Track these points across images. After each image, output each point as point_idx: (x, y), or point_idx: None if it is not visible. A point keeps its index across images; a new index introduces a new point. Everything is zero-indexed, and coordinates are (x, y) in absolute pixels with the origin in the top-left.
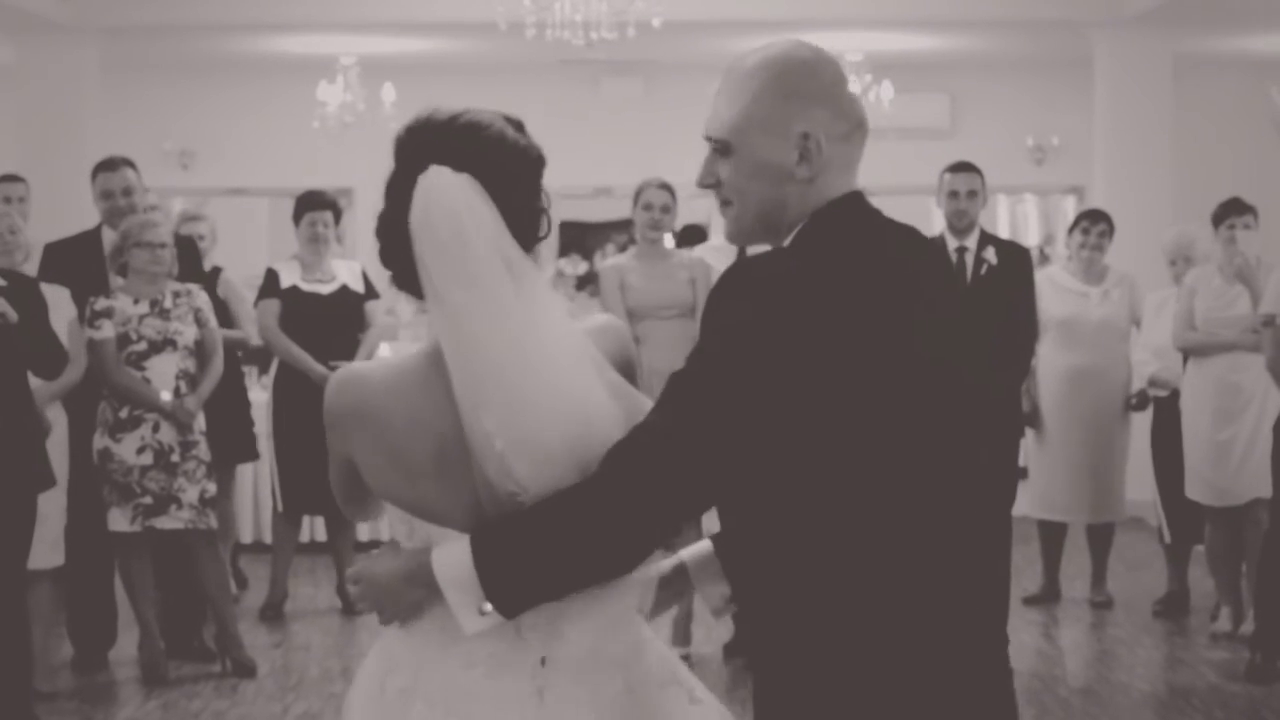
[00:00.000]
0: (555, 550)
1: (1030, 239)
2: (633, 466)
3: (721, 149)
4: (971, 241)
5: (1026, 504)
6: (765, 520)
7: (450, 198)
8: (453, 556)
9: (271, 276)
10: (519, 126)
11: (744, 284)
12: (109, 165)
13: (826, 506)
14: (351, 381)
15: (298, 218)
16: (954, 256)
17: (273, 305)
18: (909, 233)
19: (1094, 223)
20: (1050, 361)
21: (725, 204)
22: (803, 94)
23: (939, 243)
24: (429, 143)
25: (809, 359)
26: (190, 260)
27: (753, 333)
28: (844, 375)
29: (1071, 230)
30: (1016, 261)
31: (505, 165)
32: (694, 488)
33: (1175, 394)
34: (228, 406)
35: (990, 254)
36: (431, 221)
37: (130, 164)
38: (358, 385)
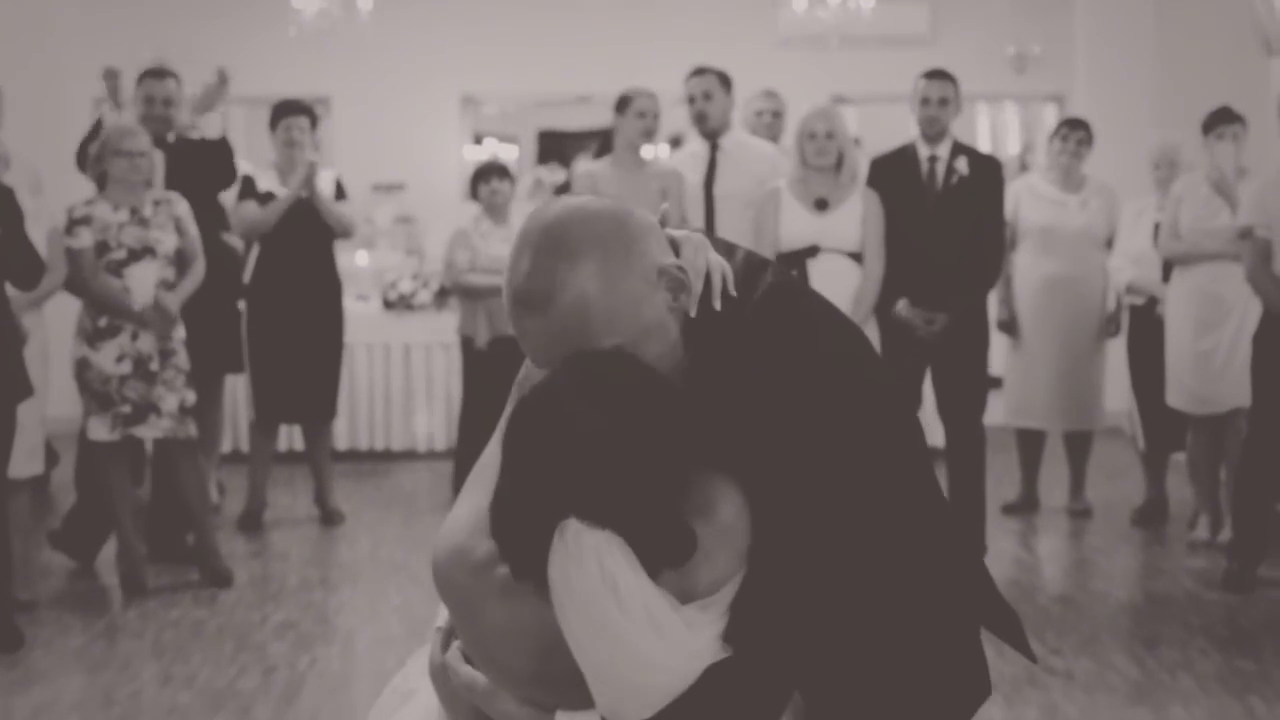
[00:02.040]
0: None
1: (1010, 148)
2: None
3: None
4: (944, 150)
5: (1003, 412)
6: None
7: (591, 570)
8: None
9: (248, 181)
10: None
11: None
12: (156, 74)
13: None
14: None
15: (274, 124)
16: (925, 165)
17: (250, 207)
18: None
19: (1073, 130)
20: (1027, 269)
21: None
22: (630, 245)
23: (909, 155)
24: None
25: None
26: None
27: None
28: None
29: (1051, 138)
30: (987, 173)
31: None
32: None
33: (1152, 303)
34: (217, 317)
35: (962, 164)
36: (573, 589)
37: (175, 76)
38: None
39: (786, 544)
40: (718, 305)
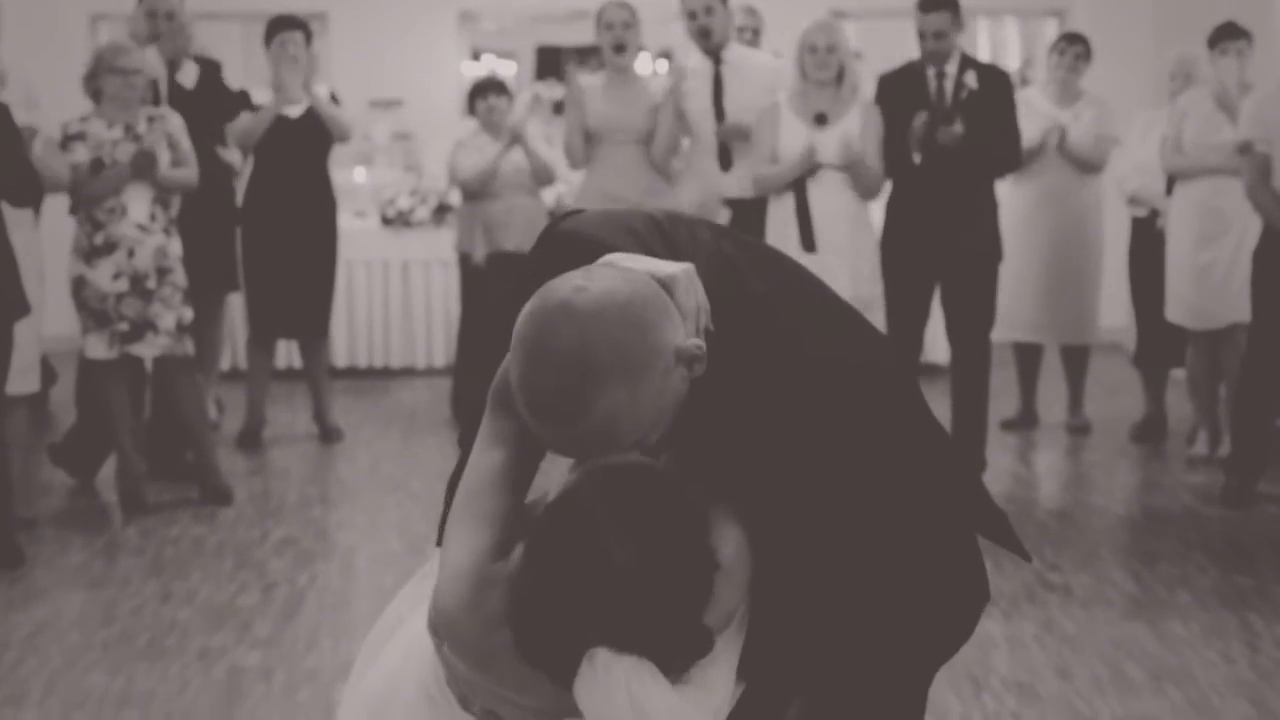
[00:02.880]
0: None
1: (1010, 63)
2: None
3: (633, 444)
4: (951, 67)
5: (999, 328)
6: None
7: (621, 700)
8: None
9: (244, 96)
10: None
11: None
12: None
13: None
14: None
15: (268, 40)
16: (933, 82)
17: (244, 119)
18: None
19: (1070, 44)
20: (1022, 183)
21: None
22: (649, 344)
23: (915, 71)
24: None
25: None
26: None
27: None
28: None
29: (1050, 53)
30: (997, 84)
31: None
32: None
33: (1153, 215)
34: (214, 235)
35: (970, 78)
36: (602, 714)
37: None
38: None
39: (794, 551)
40: (701, 342)
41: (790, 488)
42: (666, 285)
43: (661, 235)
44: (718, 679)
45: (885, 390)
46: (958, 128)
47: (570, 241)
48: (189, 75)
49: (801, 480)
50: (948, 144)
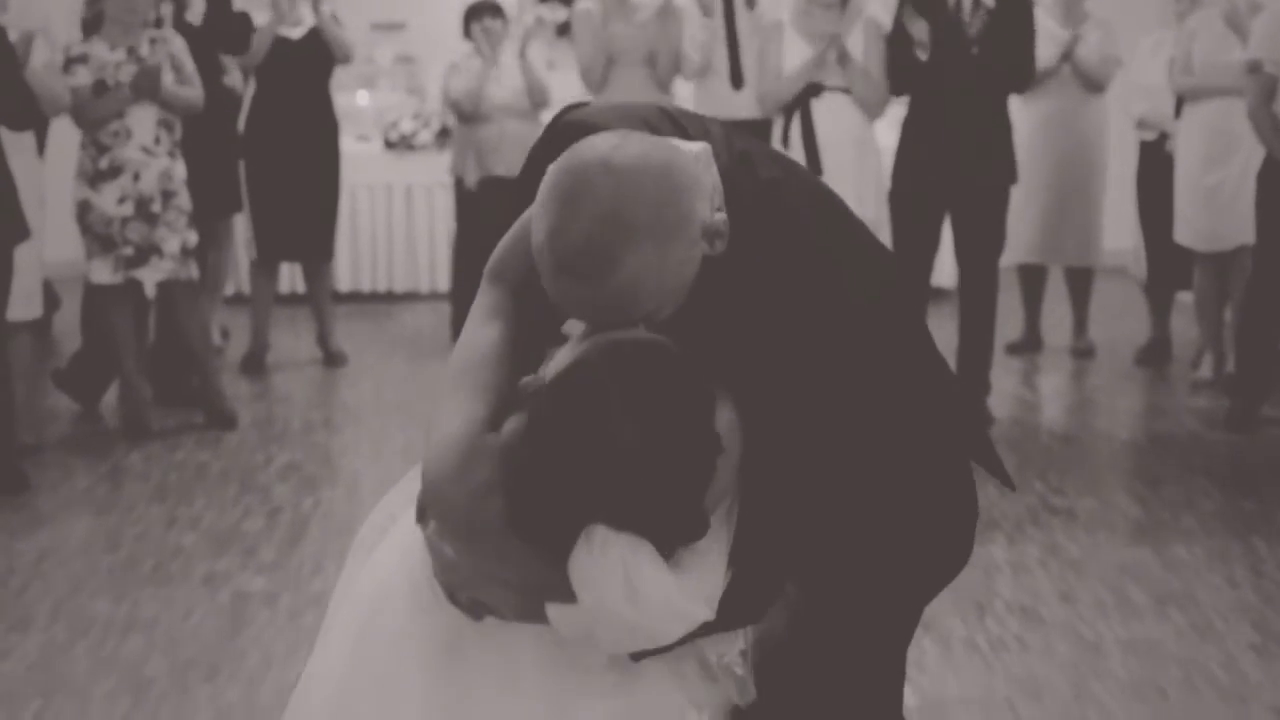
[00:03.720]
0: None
1: None
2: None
3: (646, 316)
4: None
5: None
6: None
7: (615, 578)
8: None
9: (244, 18)
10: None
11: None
12: None
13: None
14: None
15: None
16: (951, 3)
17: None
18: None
19: None
20: (1026, 105)
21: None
22: (680, 212)
23: None
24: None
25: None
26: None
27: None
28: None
29: None
30: (1015, 4)
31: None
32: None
33: (1162, 138)
34: (216, 159)
35: None
36: (594, 589)
37: None
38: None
39: (784, 445)
40: (725, 217)
41: (785, 379)
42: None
43: (673, 124)
44: (710, 564)
45: (887, 301)
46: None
47: (579, 131)
48: (196, 12)
49: (797, 373)
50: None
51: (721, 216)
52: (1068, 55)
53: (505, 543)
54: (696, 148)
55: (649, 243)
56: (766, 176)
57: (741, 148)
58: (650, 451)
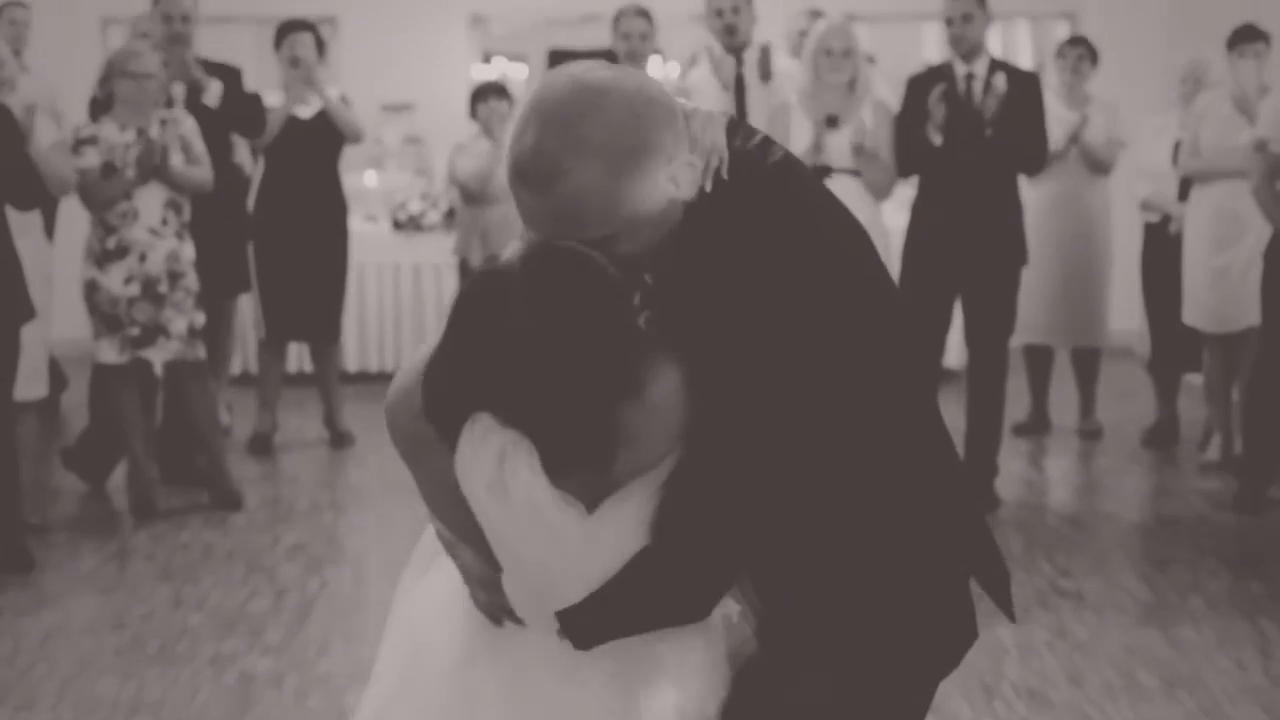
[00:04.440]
0: (631, 596)
1: (1021, 66)
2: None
3: (599, 243)
4: (980, 68)
5: None
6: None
7: (487, 468)
8: None
9: (256, 99)
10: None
11: (752, 295)
12: None
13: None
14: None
15: (278, 43)
16: (962, 84)
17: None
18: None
19: (1072, 47)
20: (1032, 186)
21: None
22: (638, 137)
23: (945, 72)
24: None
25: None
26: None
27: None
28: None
29: (1055, 57)
30: (1026, 87)
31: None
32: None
33: (1166, 220)
34: (224, 239)
35: (1000, 81)
36: (470, 479)
37: None
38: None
39: (737, 424)
40: (708, 186)
41: (757, 374)
42: (685, 113)
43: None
44: (616, 520)
45: (892, 333)
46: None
47: None
48: (213, 94)
49: (769, 372)
50: (984, 109)
51: (690, 159)
52: (1075, 138)
53: (445, 466)
54: (704, 108)
55: (597, 161)
56: (779, 160)
57: (781, 149)
58: (544, 349)
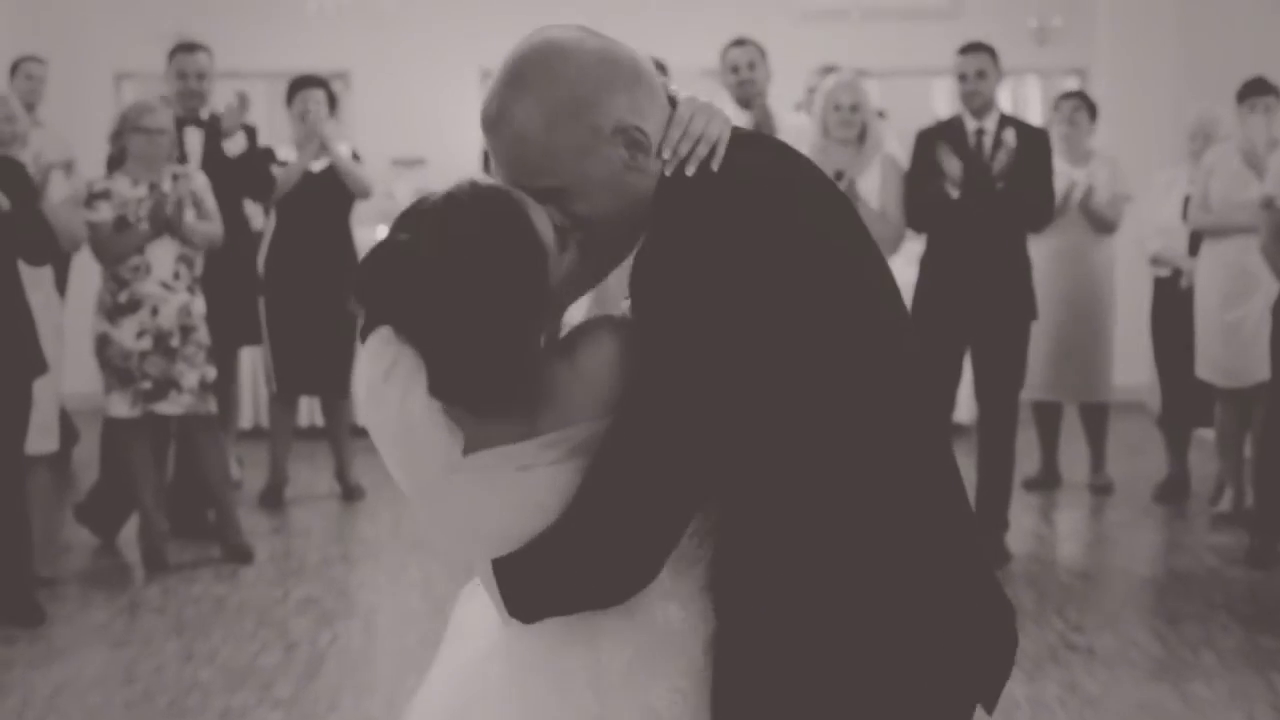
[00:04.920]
0: (558, 571)
1: (1032, 122)
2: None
3: (550, 196)
4: (990, 124)
5: None
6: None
7: (375, 375)
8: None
9: (268, 153)
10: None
11: (671, 283)
12: (187, 49)
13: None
14: None
15: (290, 99)
16: (972, 139)
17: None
18: (760, 157)
19: (1066, 99)
20: (1035, 242)
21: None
22: (582, 93)
23: (955, 126)
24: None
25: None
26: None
27: (708, 316)
28: (790, 321)
29: (1053, 110)
30: (1035, 144)
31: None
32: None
33: (1176, 274)
34: (233, 291)
35: (1009, 136)
36: (359, 383)
37: (206, 50)
38: None
39: (663, 409)
40: (688, 171)
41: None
42: (673, 97)
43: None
44: (542, 462)
45: (888, 340)
46: (1010, 140)
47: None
48: (236, 144)
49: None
50: (998, 168)
51: (636, 124)
52: (1067, 198)
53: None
54: (705, 100)
55: (537, 109)
56: (776, 170)
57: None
58: (437, 274)
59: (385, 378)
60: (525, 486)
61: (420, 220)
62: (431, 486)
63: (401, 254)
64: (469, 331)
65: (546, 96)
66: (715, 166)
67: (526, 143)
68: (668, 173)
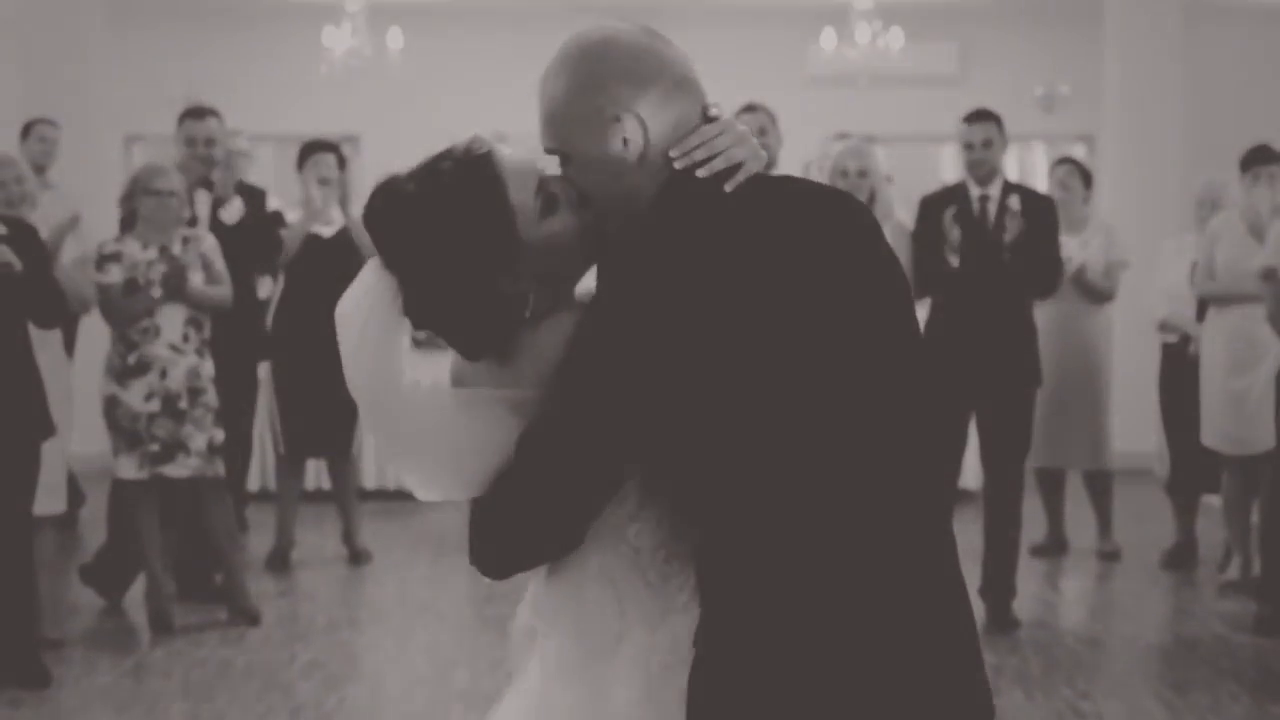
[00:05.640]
0: (495, 528)
1: (1039, 188)
2: (541, 463)
3: (562, 162)
4: (995, 190)
5: None
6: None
7: (357, 294)
8: None
9: (277, 216)
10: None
11: (622, 274)
12: (196, 114)
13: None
14: None
15: (301, 163)
16: (976, 205)
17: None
18: (778, 187)
19: (1059, 165)
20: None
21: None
22: (607, 75)
23: (959, 193)
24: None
25: (688, 332)
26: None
27: (638, 322)
28: (719, 345)
29: (1048, 176)
30: (1040, 209)
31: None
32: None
33: (1184, 340)
34: (243, 356)
35: (1014, 202)
36: (344, 300)
37: (216, 114)
38: None
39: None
40: (699, 174)
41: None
42: (706, 111)
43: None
44: (474, 425)
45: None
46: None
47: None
48: (233, 211)
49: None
50: (1007, 240)
51: (636, 113)
52: (1076, 276)
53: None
54: (733, 122)
55: (565, 80)
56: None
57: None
58: (418, 210)
59: (363, 296)
60: (474, 429)
61: (421, 169)
62: (378, 403)
63: (395, 191)
64: (434, 262)
65: (574, 71)
66: (728, 187)
67: (551, 108)
68: (678, 168)
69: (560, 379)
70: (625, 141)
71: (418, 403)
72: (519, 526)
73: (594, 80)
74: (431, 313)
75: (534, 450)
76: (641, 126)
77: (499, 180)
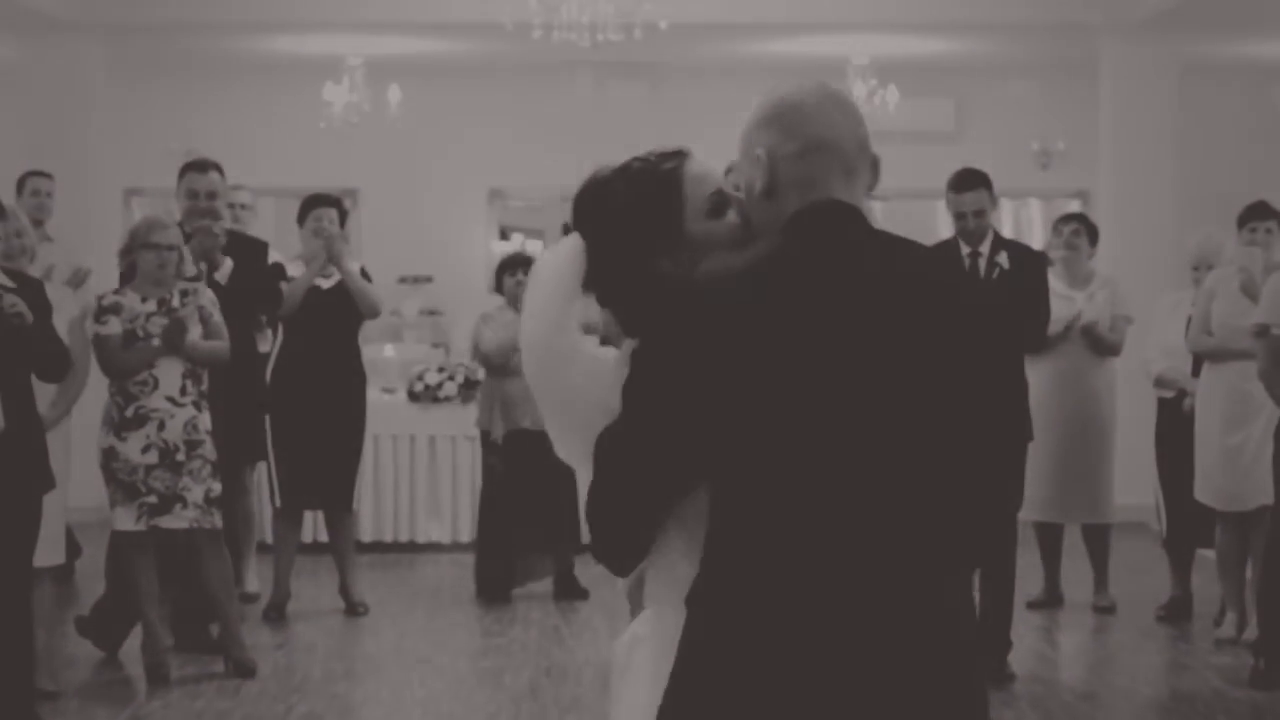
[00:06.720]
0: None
1: (1034, 244)
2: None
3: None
4: (985, 247)
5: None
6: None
7: (550, 255)
8: None
9: (278, 268)
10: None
11: (691, 304)
12: (199, 167)
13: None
14: None
15: (302, 217)
16: (966, 261)
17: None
18: (888, 243)
19: (1065, 223)
20: (1036, 364)
21: None
22: (762, 120)
23: (951, 249)
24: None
25: (740, 365)
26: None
27: (696, 350)
28: (762, 384)
29: (1052, 234)
30: (1030, 265)
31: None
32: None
33: (1181, 395)
34: (240, 409)
35: (1003, 258)
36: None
37: (218, 168)
38: None
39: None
40: (728, 184)
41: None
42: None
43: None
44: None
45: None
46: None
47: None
48: (224, 273)
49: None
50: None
51: (735, 184)
52: (1070, 327)
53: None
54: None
55: (754, 115)
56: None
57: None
58: (608, 194)
59: (555, 260)
60: (615, 393)
61: (623, 163)
62: (547, 351)
63: (596, 177)
64: (611, 237)
65: (759, 112)
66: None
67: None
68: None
69: (638, 381)
70: (760, 175)
71: (577, 359)
72: (603, 517)
73: (761, 122)
74: (605, 284)
75: (608, 447)
76: (771, 167)
77: (676, 178)
